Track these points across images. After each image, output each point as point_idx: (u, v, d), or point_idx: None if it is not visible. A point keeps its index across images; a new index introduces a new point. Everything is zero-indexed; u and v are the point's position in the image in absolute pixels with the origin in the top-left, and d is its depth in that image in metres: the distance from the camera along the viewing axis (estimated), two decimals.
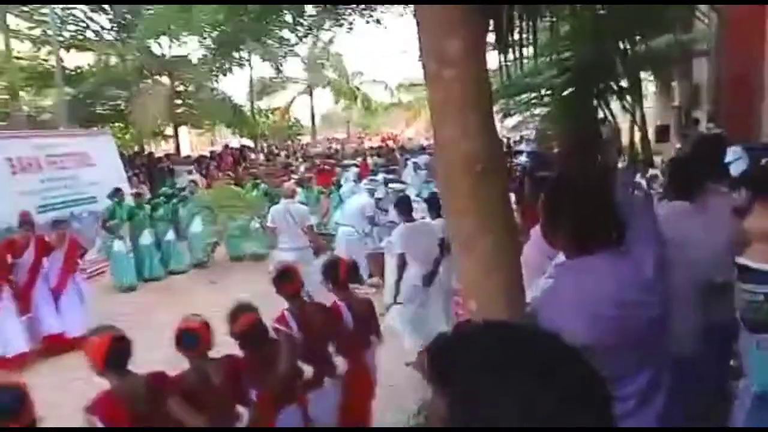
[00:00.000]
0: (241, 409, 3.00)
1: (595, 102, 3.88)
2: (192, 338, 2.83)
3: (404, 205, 5.28)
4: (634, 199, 2.27)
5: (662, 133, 14.47)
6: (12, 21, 16.10)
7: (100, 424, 2.44)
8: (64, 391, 4.41)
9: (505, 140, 16.83)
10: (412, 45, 4.67)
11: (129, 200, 9.74)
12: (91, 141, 11.70)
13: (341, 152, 22.55)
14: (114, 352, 2.54)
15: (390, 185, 9.39)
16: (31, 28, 17.04)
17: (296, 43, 20.37)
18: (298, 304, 3.44)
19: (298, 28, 15.38)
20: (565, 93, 4.29)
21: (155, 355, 3.22)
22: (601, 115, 4.04)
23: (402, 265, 4.90)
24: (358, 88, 26.46)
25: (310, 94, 27.34)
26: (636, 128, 12.37)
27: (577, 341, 0.71)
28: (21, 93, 16.33)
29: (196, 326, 2.86)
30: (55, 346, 6.27)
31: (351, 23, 14.53)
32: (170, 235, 9.68)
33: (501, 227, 1.75)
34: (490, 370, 0.63)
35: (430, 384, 0.69)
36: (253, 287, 5.61)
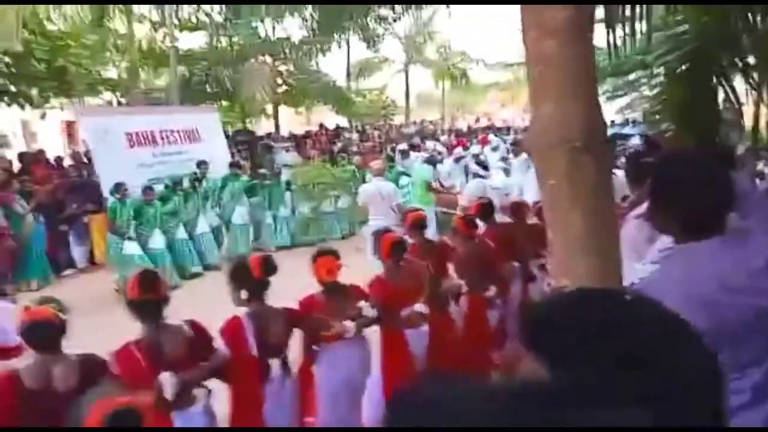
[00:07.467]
0: None
1: (715, 80, 3.52)
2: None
3: None
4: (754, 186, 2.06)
5: None
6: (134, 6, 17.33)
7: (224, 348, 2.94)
8: None
9: (610, 122, 15.85)
10: (508, 19, 4.47)
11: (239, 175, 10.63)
12: (199, 117, 12.45)
13: (435, 132, 22.39)
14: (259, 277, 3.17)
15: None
16: (150, 12, 18.24)
17: (394, 20, 20.31)
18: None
19: (396, 7, 15.28)
20: (678, 70, 3.93)
21: None
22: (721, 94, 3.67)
23: None
24: (455, 66, 25.86)
25: (406, 74, 27.20)
26: (763, 110, 11.13)
27: None
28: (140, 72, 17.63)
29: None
30: None
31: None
32: (266, 216, 10.22)
33: (597, 208, 1.65)
34: (588, 334, 0.63)
35: (528, 350, 0.69)
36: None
